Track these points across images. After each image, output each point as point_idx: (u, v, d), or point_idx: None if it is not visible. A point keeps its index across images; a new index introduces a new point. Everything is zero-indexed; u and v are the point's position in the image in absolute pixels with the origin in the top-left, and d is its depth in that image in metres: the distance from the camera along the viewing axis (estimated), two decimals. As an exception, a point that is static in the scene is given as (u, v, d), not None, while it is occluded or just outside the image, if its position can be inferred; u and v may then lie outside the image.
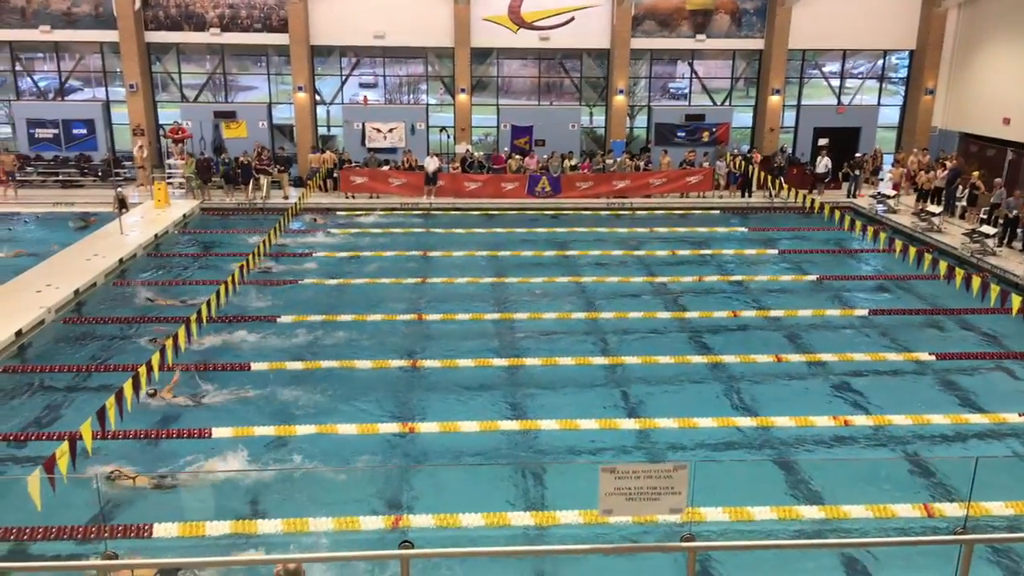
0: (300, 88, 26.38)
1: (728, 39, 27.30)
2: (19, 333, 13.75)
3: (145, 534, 8.72)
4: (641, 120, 28.41)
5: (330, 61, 27.52)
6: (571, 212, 24.44)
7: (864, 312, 15.85)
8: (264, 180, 24.55)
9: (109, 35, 25.86)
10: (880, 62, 28.12)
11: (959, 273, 15.53)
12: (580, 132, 27.76)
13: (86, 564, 7.54)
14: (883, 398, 12.15)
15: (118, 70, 26.41)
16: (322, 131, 27.94)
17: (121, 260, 18.17)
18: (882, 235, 18.46)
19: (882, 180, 25.50)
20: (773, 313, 15.82)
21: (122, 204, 20.71)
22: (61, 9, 25.82)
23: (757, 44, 27.34)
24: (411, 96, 28.23)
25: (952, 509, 9.28)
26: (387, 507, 9.33)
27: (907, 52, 27.65)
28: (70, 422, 10.87)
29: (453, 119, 27.35)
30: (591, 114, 28.39)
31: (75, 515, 8.86)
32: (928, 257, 16.66)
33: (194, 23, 26.24)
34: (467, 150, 26.51)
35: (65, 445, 8.73)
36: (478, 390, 12.45)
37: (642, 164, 25.89)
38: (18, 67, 26.82)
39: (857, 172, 25.52)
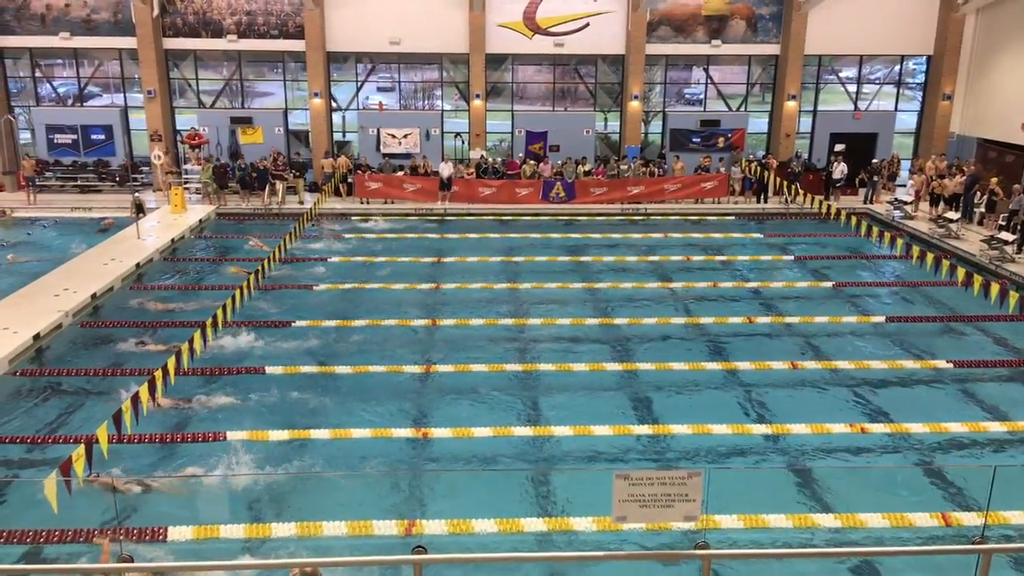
0: (316, 94, 26.54)
1: (744, 44, 27.22)
2: (37, 337, 13.87)
3: (160, 537, 8.75)
4: (656, 126, 28.37)
5: (346, 67, 27.65)
6: (585, 217, 24.42)
7: (881, 319, 15.73)
8: (280, 185, 24.71)
9: (128, 42, 26.14)
10: (897, 67, 27.93)
11: (977, 280, 15.39)
12: (594, 138, 27.76)
13: (99, 567, 7.57)
14: (900, 406, 12.03)
15: (136, 76, 26.71)
16: (337, 137, 28.07)
17: (138, 264, 18.28)
18: (899, 241, 18.30)
19: (901, 187, 25.29)
20: (788, 319, 15.73)
21: (139, 209, 20.86)
22: (80, 16, 26.11)
23: (773, 49, 27.25)
24: (426, 102, 28.31)
25: (970, 518, 9.17)
26: (400, 512, 9.31)
27: (924, 57, 27.48)
28: (86, 426, 10.94)
29: (468, 125, 27.43)
30: (606, 120, 28.37)
31: (85, 518, 8.90)
32: (946, 263, 16.51)
33: (211, 30, 26.46)
34: (481, 156, 26.58)
35: (81, 448, 8.80)
36: (492, 395, 12.43)
37: (656, 171, 25.81)
38: (38, 73, 27.12)
39: (875, 178, 25.36)
